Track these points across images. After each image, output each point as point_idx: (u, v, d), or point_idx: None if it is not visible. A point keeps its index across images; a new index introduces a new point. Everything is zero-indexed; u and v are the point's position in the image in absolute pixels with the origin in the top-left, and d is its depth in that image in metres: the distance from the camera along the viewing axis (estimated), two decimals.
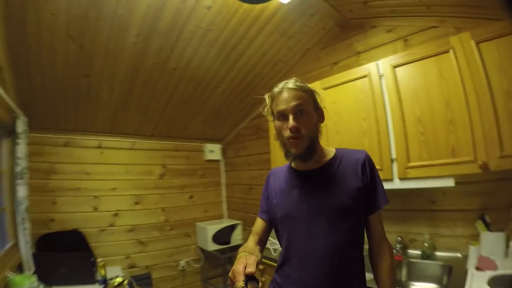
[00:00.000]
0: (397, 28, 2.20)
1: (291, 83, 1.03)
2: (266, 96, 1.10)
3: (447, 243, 1.87)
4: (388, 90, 1.90)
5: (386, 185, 1.84)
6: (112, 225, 3.07)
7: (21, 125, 2.05)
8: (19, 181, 2.02)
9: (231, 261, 3.85)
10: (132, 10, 1.95)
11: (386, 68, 1.91)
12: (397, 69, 1.87)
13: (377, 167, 1.91)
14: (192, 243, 3.69)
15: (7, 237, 2.11)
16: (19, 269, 1.95)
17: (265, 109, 1.11)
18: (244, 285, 0.74)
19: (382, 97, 1.93)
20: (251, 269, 0.78)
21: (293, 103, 0.99)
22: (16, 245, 2.10)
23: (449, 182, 1.64)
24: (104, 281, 1.97)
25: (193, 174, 3.86)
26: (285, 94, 1.01)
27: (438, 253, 1.86)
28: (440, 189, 1.90)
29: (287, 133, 1.00)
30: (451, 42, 1.64)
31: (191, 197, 3.78)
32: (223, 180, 4.19)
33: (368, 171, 1.04)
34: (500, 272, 1.43)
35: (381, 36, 2.31)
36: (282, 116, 1.02)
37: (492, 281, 1.34)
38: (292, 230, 1.03)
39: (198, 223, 3.68)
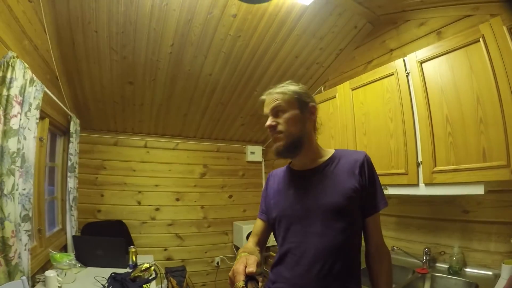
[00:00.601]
0: (429, 21, 2.03)
1: (275, 88, 1.08)
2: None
3: (479, 258, 1.65)
4: (415, 88, 1.76)
5: (411, 191, 1.76)
6: (153, 219, 3.36)
7: (73, 126, 2.42)
8: (70, 174, 2.38)
9: (266, 261, 3.88)
10: (164, 24, 2.15)
11: (413, 64, 1.77)
12: (424, 64, 1.72)
13: (402, 171, 1.82)
14: (229, 241, 3.82)
15: (56, 222, 2.48)
16: (64, 249, 2.29)
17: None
18: (244, 285, 0.75)
19: (409, 96, 1.79)
20: (251, 268, 0.80)
21: (272, 105, 1.04)
22: (63, 230, 2.45)
23: (479, 190, 1.44)
24: (135, 266, 2.18)
25: (233, 174, 3.99)
26: (267, 99, 1.07)
27: (467, 269, 1.65)
28: (475, 197, 1.68)
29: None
30: (481, 30, 1.45)
31: (230, 196, 3.92)
32: (264, 182, 4.24)
33: (366, 172, 1.02)
34: None
35: (413, 31, 2.15)
36: (267, 119, 1.06)
37: None
38: (287, 230, 1.04)
39: (235, 222, 3.80)
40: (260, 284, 0.79)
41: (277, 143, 1.03)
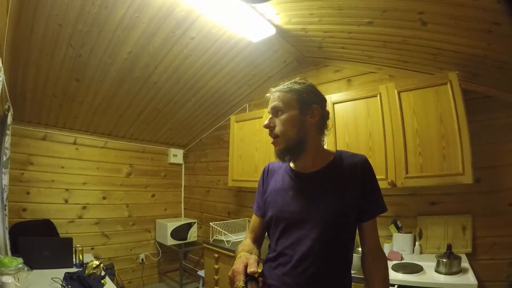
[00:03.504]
0: (343, 70, 2.76)
1: (281, 85, 1.04)
2: None
3: None
4: None
5: None
6: (80, 217, 3.26)
7: (10, 117, 2.21)
8: (5, 170, 2.14)
9: (187, 256, 4.16)
10: (130, 33, 2.26)
11: (328, 103, 2.41)
12: (336, 105, 2.41)
13: None
14: (152, 238, 3.97)
15: None
16: None
17: None
18: (244, 285, 0.75)
19: None
20: (253, 268, 0.80)
21: (272, 105, 1.02)
22: None
23: None
24: (81, 265, 2.19)
25: (156, 175, 4.16)
26: (270, 97, 1.04)
27: (359, 249, 2.39)
28: None
29: None
30: (379, 89, 2.17)
31: (153, 195, 4.09)
32: (183, 182, 4.54)
33: (366, 178, 1.01)
34: (403, 261, 1.99)
35: (330, 75, 2.85)
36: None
37: (395, 266, 1.88)
38: (283, 232, 1.01)
39: (158, 220, 3.99)
40: (260, 284, 0.81)
41: (275, 147, 1.01)
